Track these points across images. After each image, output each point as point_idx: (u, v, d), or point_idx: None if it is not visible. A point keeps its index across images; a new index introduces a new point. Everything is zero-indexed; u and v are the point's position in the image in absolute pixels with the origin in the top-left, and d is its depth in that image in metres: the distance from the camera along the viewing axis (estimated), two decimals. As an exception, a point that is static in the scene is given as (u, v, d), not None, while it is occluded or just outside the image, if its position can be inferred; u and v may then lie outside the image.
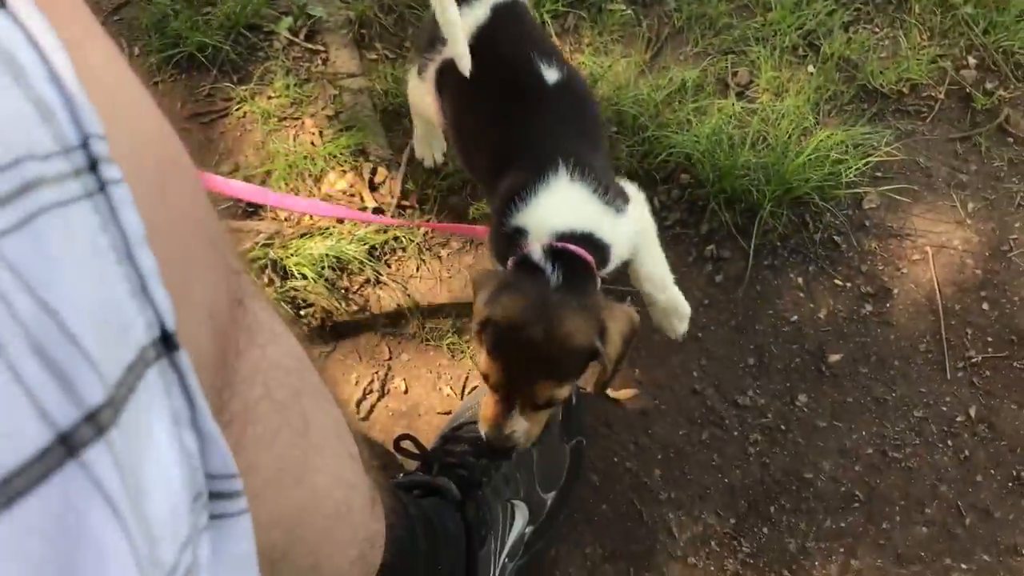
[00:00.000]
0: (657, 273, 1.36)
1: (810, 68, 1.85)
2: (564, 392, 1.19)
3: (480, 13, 1.36)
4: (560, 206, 1.22)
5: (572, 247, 1.19)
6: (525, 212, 1.22)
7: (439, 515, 1.19)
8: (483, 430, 1.22)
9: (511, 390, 1.17)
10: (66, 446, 0.26)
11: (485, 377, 1.19)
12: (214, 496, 0.37)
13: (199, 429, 0.36)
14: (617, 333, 1.16)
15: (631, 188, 1.35)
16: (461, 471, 1.27)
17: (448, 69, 1.38)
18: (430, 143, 1.71)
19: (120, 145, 0.33)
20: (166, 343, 0.34)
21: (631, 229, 1.28)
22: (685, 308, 1.41)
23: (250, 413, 0.50)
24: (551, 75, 1.31)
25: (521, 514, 1.32)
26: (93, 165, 0.32)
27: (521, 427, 1.20)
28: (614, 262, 1.27)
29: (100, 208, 0.32)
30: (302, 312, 1.62)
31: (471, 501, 1.23)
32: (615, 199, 1.26)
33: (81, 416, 0.27)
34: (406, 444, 1.31)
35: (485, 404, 1.22)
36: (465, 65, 1.31)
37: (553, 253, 1.18)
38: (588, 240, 1.21)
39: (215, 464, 0.37)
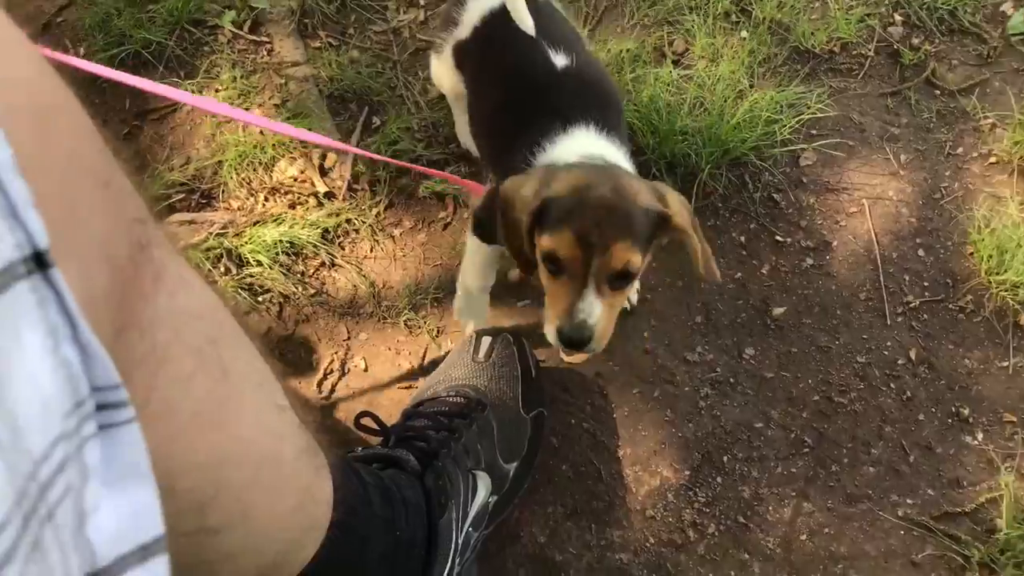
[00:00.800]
0: None
1: (743, 33, 1.90)
2: (638, 259, 1.12)
3: None
4: (588, 145, 1.27)
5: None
6: (551, 152, 1.27)
7: (398, 484, 1.22)
8: (555, 324, 1.15)
9: (584, 265, 1.11)
10: None
11: (550, 260, 1.14)
12: (101, 407, 0.41)
13: (81, 343, 0.39)
14: (676, 202, 1.16)
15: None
16: (420, 443, 1.29)
17: (465, 46, 1.48)
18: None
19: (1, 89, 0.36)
20: (39, 262, 0.37)
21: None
22: None
23: (160, 355, 0.53)
24: (559, 60, 1.37)
25: (484, 484, 1.35)
26: None
27: (597, 311, 1.13)
28: None
29: None
30: (260, 299, 1.65)
31: (430, 470, 1.25)
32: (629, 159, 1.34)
33: None
34: (366, 420, 1.33)
35: (551, 296, 1.18)
36: (529, 25, 1.38)
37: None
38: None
39: (98, 376, 0.40)
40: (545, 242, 1.14)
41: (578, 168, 1.19)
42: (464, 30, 1.49)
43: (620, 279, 1.14)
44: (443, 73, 1.61)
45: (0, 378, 0.34)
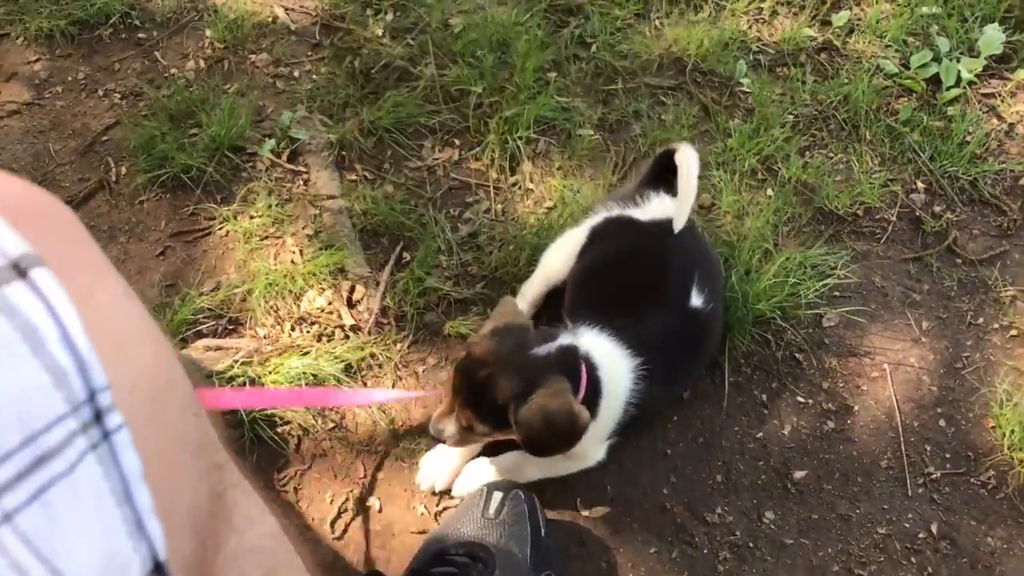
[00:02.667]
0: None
1: (769, 191, 1.95)
2: (481, 428, 1.38)
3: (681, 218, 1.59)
4: (608, 359, 1.45)
5: (585, 368, 1.40)
6: (592, 339, 1.46)
7: None
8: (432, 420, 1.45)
9: (454, 401, 1.39)
10: None
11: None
12: None
13: None
14: (534, 410, 1.30)
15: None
16: None
17: (616, 227, 1.66)
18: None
19: (120, 379, 0.39)
20: (158, 572, 0.39)
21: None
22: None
23: None
24: (696, 299, 1.54)
25: None
26: (98, 415, 0.37)
27: (450, 430, 1.42)
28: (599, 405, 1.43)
29: (103, 458, 0.37)
30: (279, 430, 1.65)
31: None
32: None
33: None
34: None
35: (443, 401, 1.45)
36: (680, 224, 1.58)
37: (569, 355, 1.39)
38: (594, 380, 1.41)
39: None
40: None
41: (498, 343, 1.37)
42: (640, 214, 1.64)
43: (470, 429, 1.39)
44: (567, 245, 1.71)
45: None
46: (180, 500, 0.45)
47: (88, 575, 0.34)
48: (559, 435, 1.33)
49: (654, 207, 1.64)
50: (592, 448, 1.52)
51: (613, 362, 1.45)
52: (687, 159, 1.59)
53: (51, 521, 0.33)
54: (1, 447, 0.32)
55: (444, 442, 1.45)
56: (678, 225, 1.58)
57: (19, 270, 0.37)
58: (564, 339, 1.41)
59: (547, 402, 1.30)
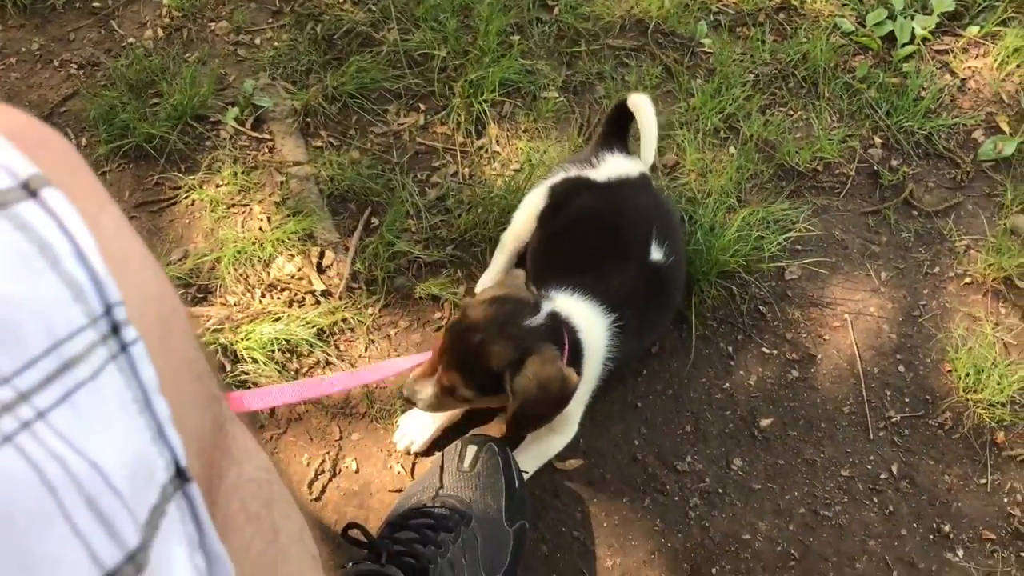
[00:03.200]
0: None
1: (731, 149, 1.99)
2: (465, 392, 1.38)
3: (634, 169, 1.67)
4: (585, 320, 1.48)
5: (568, 330, 1.42)
6: (567, 302, 1.48)
7: None
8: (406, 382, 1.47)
9: (436, 364, 1.41)
10: None
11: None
12: None
13: (207, 550, 0.42)
14: (530, 378, 1.32)
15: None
16: (409, 559, 1.31)
17: (577, 189, 1.68)
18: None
19: (129, 303, 0.40)
20: (180, 476, 0.41)
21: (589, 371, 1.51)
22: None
23: (228, 525, 0.56)
24: (656, 253, 1.57)
25: None
26: (115, 328, 0.39)
27: (426, 393, 1.43)
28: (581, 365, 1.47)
29: (123, 367, 0.39)
30: (253, 395, 1.65)
31: None
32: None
33: (124, 558, 0.33)
34: (354, 532, 1.34)
35: (425, 362, 1.46)
36: (648, 161, 1.72)
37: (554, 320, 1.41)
38: (575, 342, 1.44)
39: None
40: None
41: (493, 309, 1.37)
42: (595, 174, 1.67)
43: (451, 392, 1.40)
44: (529, 206, 1.73)
45: None
46: (189, 425, 0.46)
47: (121, 470, 0.35)
48: (551, 401, 1.35)
49: (608, 167, 1.67)
50: (576, 411, 1.55)
51: (590, 322, 1.48)
52: (640, 103, 1.69)
53: (81, 420, 0.35)
54: (28, 352, 0.34)
55: (415, 405, 1.46)
56: (647, 163, 1.67)
57: (29, 190, 0.38)
58: (546, 307, 1.43)
59: (540, 370, 1.32)
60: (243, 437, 0.61)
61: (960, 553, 1.54)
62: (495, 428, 1.60)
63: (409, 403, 1.48)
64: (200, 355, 0.52)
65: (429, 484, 1.46)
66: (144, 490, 0.37)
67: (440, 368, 1.40)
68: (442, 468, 1.49)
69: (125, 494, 0.35)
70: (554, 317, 1.41)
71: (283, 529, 0.62)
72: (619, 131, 1.75)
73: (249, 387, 1.66)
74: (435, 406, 1.46)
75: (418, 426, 1.61)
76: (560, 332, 1.41)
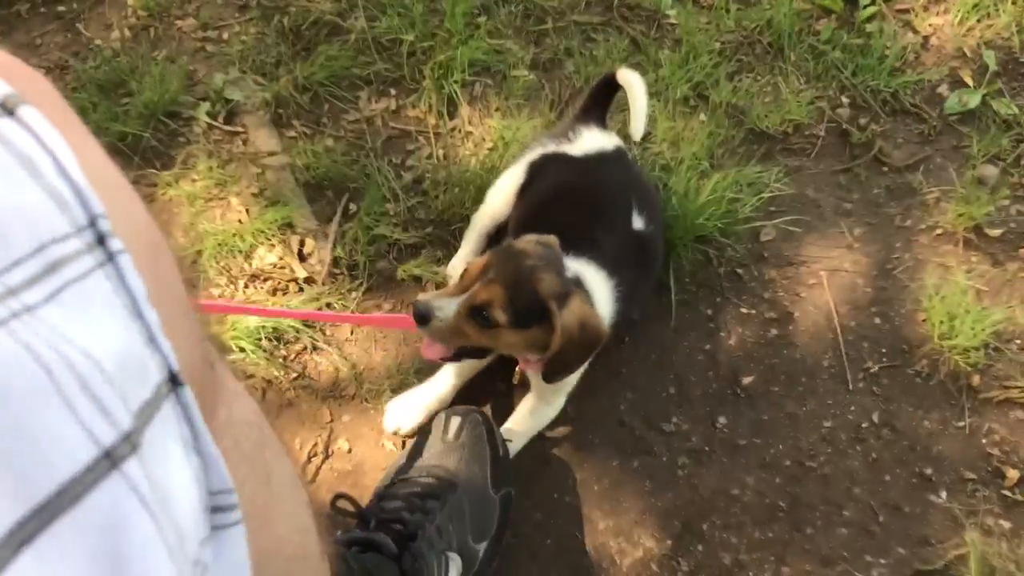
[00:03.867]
0: None
1: (702, 117, 2.01)
2: (500, 316, 1.31)
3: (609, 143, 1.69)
4: (596, 284, 1.47)
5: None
6: (578, 265, 1.46)
7: (378, 569, 1.26)
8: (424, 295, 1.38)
9: (468, 284, 1.33)
10: (110, 459, 0.34)
11: (464, 272, 1.37)
12: (215, 509, 0.45)
13: (201, 452, 0.44)
14: (575, 314, 1.31)
15: None
16: (397, 526, 1.33)
17: (555, 163, 1.69)
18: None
19: (118, 228, 0.42)
20: (173, 381, 0.42)
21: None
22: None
23: None
24: (638, 222, 1.58)
25: (455, 565, 1.38)
26: (100, 239, 0.40)
27: (447, 311, 1.33)
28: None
29: (110, 275, 0.40)
30: (243, 384, 1.67)
31: (408, 554, 1.29)
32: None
33: (119, 437, 0.35)
34: (342, 503, 1.37)
35: (447, 287, 1.42)
36: (638, 133, 1.73)
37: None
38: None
39: (214, 480, 0.45)
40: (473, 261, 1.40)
41: (539, 247, 1.36)
42: (572, 149, 1.68)
43: (478, 314, 1.32)
44: (506, 184, 1.74)
45: (165, 493, 0.38)
46: (180, 356, 0.48)
47: (111, 361, 0.37)
48: (588, 343, 1.35)
49: (585, 142, 1.69)
50: (572, 380, 1.57)
51: (599, 285, 1.48)
52: (630, 77, 1.70)
53: (70, 315, 0.36)
54: (13, 253, 0.35)
55: (426, 321, 1.33)
56: (637, 135, 1.71)
57: (7, 109, 0.39)
58: (571, 265, 1.43)
59: (583, 309, 1.32)
60: (231, 380, 0.62)
61: (943, 495, 1.58)
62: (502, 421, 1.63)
63: (421, 320, 1.34)
64: (187, 294, 0.53)
65: (415, 455, 1.49)
66: (135, 384, 0.38)
67: (478, 284, 1.32)
68: (428, 439, 1.51)
69: (115, 381, 0.36)
70: (576, 281, 1.41)
71: (275, 472, 0.64)
72: (600, 105, 1.76)
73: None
74: (447, 330, 1.34)
75: (405, 410, 1.62)
76: (583, 289, 1.41)
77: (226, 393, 0.61)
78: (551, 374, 1.38)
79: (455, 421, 1.50)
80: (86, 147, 0.45)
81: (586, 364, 1.51)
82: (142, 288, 0.41)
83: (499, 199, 1.74)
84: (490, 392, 1.67)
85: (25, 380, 0.31)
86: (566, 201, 1.64)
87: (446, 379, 1.63)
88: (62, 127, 0.41)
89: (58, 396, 0.33)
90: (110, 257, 0.40)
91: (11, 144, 0.38)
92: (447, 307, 1.32)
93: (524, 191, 1.71)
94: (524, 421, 1.59)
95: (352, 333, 1.74)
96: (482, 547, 1.44)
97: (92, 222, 0.40)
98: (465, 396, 1.64)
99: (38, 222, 0.37)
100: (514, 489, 1.51)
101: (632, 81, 1.70)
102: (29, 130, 0.39)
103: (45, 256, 0.37)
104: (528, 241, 1.38)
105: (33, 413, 0.31)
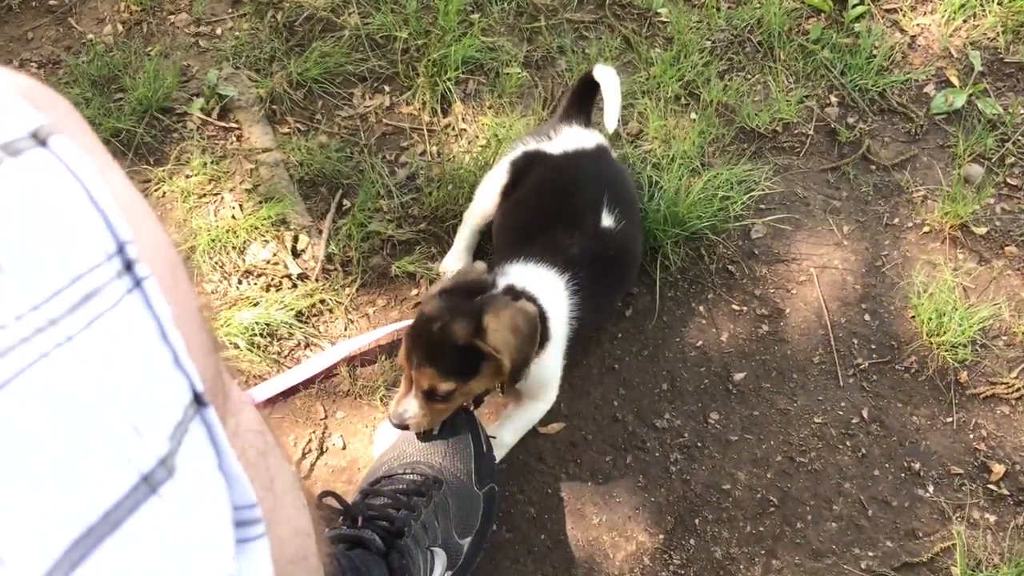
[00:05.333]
0: None
1: (692, 115, 2.03)
2: (445, 385, 1.35)
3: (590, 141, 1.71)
4: (542, 285, 1.50)
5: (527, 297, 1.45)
6: (520, 271, 1.51)
7: (366, 565, 1.28)
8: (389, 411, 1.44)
9: (410, 376, 1.38)
10: (148, 484, 0.36)
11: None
12: (239, 524, 0.46)
13: (225, 471, 0.45)
14: (501, 327, 1.33)
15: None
16: (384, 523, 1.35)
17: (536, 160, 1.71)
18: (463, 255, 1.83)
19: (141, 250, 0.43)
20: (198, 402, 0.44)
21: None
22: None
23: None
24: (607, 220, 1.60)
25: (440, 561, 1.40)
26: (128, 266, 0.41)
27: (412, 409, 1.40)
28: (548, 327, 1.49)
29: (138, 301, 0.41)
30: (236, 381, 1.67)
31: (395, 551, 1.31)
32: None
33: (157, 462, 0.37)
34: (329, 500, 1.38)
35: (401, 387, 1.44)
36: (611, 124, 1.76)
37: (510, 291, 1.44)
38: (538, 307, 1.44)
39: (237, 496, 0.46)
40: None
41: (444, 301, 1.38)
42: (551, 146, 1.71)
43: (434, 396, 1.38)
44: (490, 184, 1.76)
45: (200, 511, 0.40)
46: (197, 368, 0.49)
47: (147, 385, 0.38)
48: (528, 336, 1.37)
49: (564, 139, 1.71)
50: (555, 374, 1.58)
51: (546, 285, 1.51)
52: (605, 73, 1.74)
53: (106, 343, 0.38)
54: (54, 285, 0.37)
55: (408, 428, 1.43)
56: (609, 129, 1.74)
57: (39, 139, 0.40)
58: (502, 281, 1.46)
59: (500, 317, 1.34)
60: (237, 390, 0.64)
61: (931, 489, 1.60)
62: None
63: (405, 429, 1.44)
64: (202, 307, 0.54)
65: (400, 452, 1.50)
66: (167, 407, 0.40)
67: (413, 375, 1.38)
68: (409, 436, 1.52)
69: (150, 406, 0.38)
70: (510, 289, 1.44)
71: (278, 478, 0.65)
72: (582, 104, 1.78)
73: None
74: (429, 418, 1.42)
75: (393, 437, 1.60)
76: (519, 299, 1.43)
77: (234, 400, 0.62)
78: (515, 380, 1.41)
79: None
80: (109, 170, 0.47)
81: (560, 355, 1.55)
82: (168, 311, 0.43)
83: (485, 198, 1.76)
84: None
85: (70, 408, 0.33)
86: (536, 199, 1.67)
87: None
88: (88, 148, 0.43)
89: (99, 422, 0.34)
90: (137, 283, 0.42)
91: (46, 176, 0.39)
92: (411, 407, 1.40)
93: (506, 190, 1.72)
94: (517, 417, 1.61)
95: (346, 329, 1.74)
96: (467, 542, 1.46)
97: (120, 248, 0.42)
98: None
99: (74, 252, 0.39)
100: (497, 485, 1.52)
101: (606, 76, 1.75)
102: (62, 160, 0.41)
103: (82, 286, 0.38)
104: (430, 301, 1.40)
105: (78, 437, 0.33)
